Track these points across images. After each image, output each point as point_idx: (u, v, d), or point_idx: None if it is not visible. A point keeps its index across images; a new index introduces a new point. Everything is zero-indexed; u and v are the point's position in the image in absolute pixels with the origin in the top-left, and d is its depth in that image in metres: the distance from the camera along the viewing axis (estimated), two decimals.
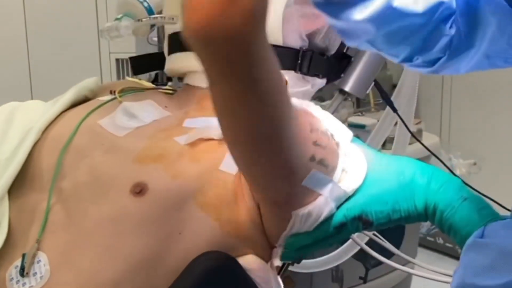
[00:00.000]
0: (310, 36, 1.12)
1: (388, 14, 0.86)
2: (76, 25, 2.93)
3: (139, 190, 0.92)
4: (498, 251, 0.77)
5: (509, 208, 0.90)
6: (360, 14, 0.86)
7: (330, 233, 0.93)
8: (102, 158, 0.98)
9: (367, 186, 0.93)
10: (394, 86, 1.58)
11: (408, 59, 0.92)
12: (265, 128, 0.79)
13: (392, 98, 1.56)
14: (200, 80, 1.09)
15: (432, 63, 0.93)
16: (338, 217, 0.92)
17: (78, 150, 1.01)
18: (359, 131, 2.12)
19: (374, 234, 1.53)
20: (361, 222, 0.91)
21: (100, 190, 0.95)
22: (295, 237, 0.93)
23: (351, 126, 2.21)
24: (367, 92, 1.36)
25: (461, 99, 3.50)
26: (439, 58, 0.92)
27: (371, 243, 1.55)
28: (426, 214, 0.91)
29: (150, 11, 1.22)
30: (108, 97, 1.11)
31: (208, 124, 0.96)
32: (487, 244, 0.80)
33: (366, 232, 1.51)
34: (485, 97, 3.25)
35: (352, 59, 1.26)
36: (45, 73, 3.25)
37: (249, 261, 0.94)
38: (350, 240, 1.58)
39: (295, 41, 1.10)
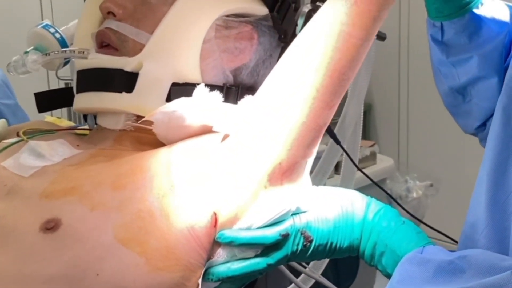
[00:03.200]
0: (235, 72, 1.03)
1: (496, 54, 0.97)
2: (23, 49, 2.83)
3: (52, 226, 0.82)
4: (438, 266, 0.78)
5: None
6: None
7: (272, 241, 0.86)
8: (3, 200, 0.88)
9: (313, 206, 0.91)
10: None
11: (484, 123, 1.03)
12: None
13: (336, 129, 1.50)
14: (112, 122, 0.99)
15: None
16: (286, 226, 0.88)
17: None
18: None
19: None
20: (303, 237, 0.88)
21: (3, 233, 0.84)
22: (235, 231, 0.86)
23: None
24: None
25: (419, 120, 3.46)
26: None
27: None
28: (361, 237, 0.89)
29: (63, 44, 1.11)
30: (14, 139, 1.00)
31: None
32: (428, 260, 0.80)
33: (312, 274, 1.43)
34: (443, 118, 3.22)
35: None
36: None
37: None
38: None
39: (217, 78, 1.00)
